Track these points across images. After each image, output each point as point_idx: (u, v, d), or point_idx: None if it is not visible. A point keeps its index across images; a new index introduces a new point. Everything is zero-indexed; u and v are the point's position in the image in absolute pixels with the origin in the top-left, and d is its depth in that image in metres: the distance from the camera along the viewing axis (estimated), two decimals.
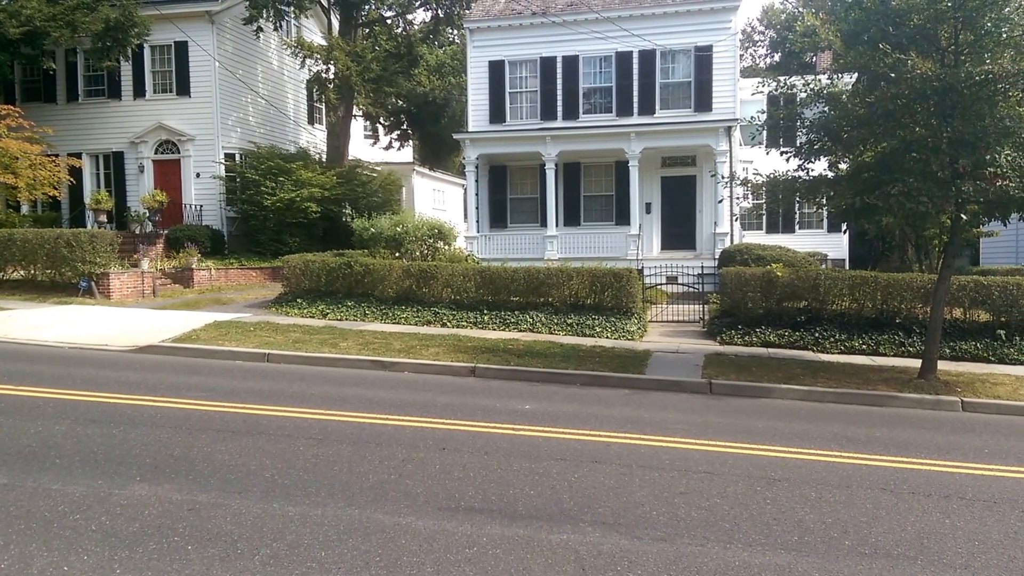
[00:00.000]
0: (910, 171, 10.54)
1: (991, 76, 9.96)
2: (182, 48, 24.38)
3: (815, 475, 6.96)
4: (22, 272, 18.85)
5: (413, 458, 6.91)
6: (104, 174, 25.53)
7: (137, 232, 22.32)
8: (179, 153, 24.81)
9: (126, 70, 24.57)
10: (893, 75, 10.40)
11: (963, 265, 22.41)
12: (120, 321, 14.69)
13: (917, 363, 12.25)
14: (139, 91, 24.91)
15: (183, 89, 24.64)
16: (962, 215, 11.00)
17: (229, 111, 25.17)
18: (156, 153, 25.01)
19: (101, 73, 24.59)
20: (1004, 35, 10.24)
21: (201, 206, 24.46)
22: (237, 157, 25.14)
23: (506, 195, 24.33)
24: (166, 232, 22.56)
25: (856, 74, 12.43)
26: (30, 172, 20.27)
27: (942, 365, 12.32)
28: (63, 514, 5.35)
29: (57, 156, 22.49)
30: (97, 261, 17.91)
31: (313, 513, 5.51)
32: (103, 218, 22.91)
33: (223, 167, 24.60)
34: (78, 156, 24.09)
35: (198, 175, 24.63)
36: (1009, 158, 10.19)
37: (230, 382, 10.18)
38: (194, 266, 20.61)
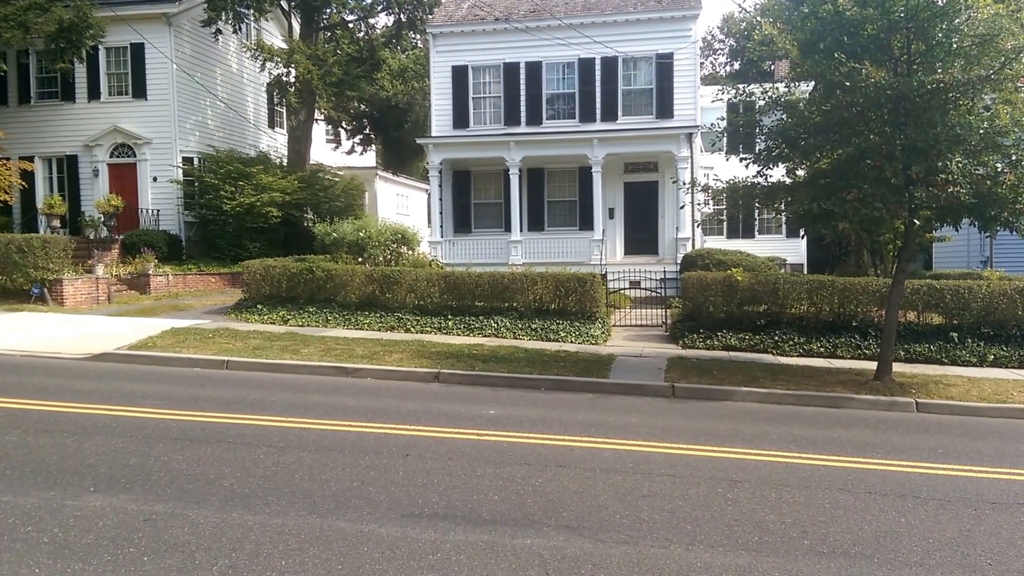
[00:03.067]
0: (865, 177, 10.78)
1: (942, 85, 10.23)
2: (138, 50, 23.89)
3: (775, 476, 7.06)
4: None
5: (376, 465, 6.85)
6: (57, 178, 24.89)
7: (91, 237, 21.81)
8: (135, 157, 24.30)
9: (80, 72, 23.98)
10: (848, 84, 10.63)
11: (917, 269, 22.92)
12: (74, 328, 14.33)
13: (873, 365, 12.50)
14: (94, 93, 24.34)
15: (139, 92, 24.15)
16: (915, 220, 11.28)
17: (187, 114, 24.74)
18: (111, 157, 24.46)
19: (54, 75, 23.93)
20: (954, 45, 10.52)
21: (158, 211, 23.99)
22: (195, 161, 24.70)
23: (470, 200, 24.30)
24: (122, 237, 22.05)
25: (813, 82, 12.68)
26: None
27: (897, 367, 12.60)
28: (13, 526, 5.20)
29: (8, 160, 21.80)
30: (50, 267, 17.46)
31: (273, 522, 5.42)
32: (56, 223, 22.31)
33: (181, 171, 24.14)
34: (30, 159, 23.43)
35: (155, 179, 24.15)
36: (960, 165, 10.47)
37: (188, 390, 9.99)
38: (151, 272, 20.20)
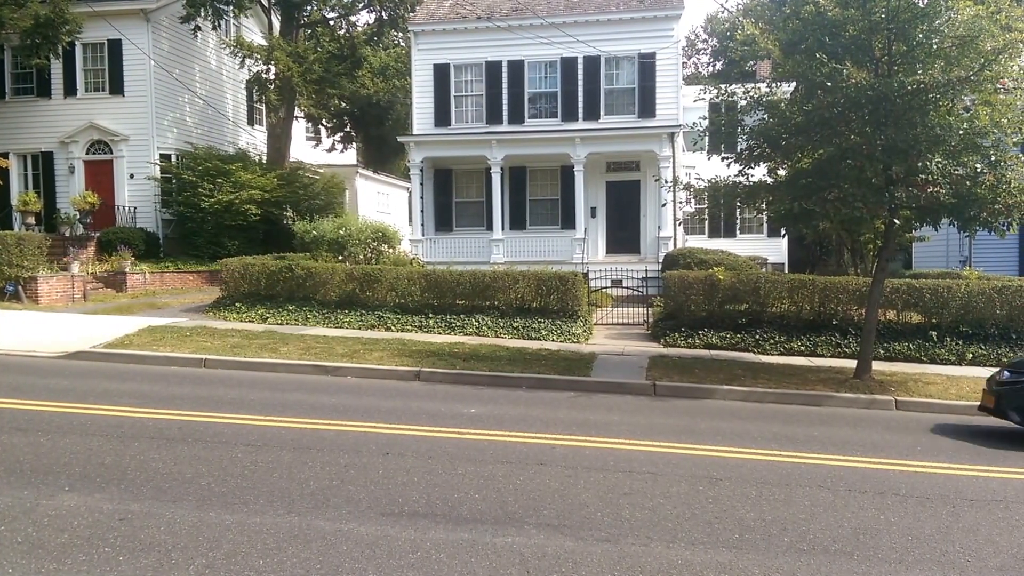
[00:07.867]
0: (846, 177, 10.83)
1: (922, 86, 10.30)
2: (116, 46, 23.58)
3: (756, 474, 7.07)
4: None
5: (355, 463, 6.78)
6: (33, 175, 24.52)
7: (67, 235, 21.48)
8: (112, 153, 23.99)
9: (56, 68, 23.58)
10: (829, 84, 10.67)
11: (896, 269, 23.14)
12: (49, 326, 14.10)
13: (853, 363, 12.59)
14: (70, 90, 24.01)
15: (117, 88, 23.85)
16: (895, 220, 11.36)
17: (165, 111, 24.47)
18: (88, 153, 24.14)
19: (30, 71, 23.54)
20: (935, 46, 10.59)
21: (135, 208, 23.71)
22: (173, 158, 24.44)
23: (451, 198, 24.21)
24: (98, 235, 21.76)
25: (794, 83, 12.72)
26: None
27: (877, 365, 12.69)
28: None
29: None
30: (25, 264, 17.19)
31: (251, 521, 5.34)
32: (31, 220, 21.99)
33: (158, 168, 23.88)
34: (5, 156, 23.08)
35: (132, 176, 23.86)
36: (939, 165, 10.55)
37: (165, 388, 9.86)
38: (127, 270, 19.95)
